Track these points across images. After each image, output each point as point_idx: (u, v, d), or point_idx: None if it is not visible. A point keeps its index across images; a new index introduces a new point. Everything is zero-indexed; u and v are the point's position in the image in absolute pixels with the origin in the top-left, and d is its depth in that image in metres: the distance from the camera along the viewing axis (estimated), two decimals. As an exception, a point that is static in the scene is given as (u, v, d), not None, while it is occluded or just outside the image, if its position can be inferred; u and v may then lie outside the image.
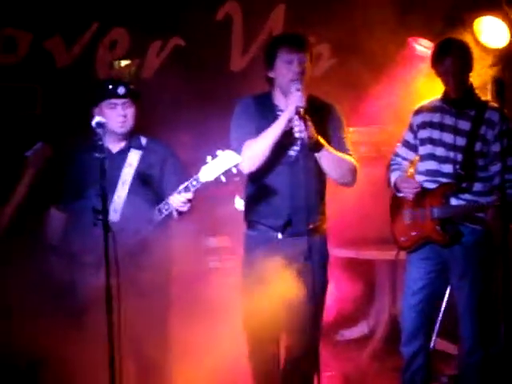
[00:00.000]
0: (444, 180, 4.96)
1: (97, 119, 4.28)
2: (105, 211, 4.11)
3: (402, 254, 5.21)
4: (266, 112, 4.75)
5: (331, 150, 4.67)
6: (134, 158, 4.91)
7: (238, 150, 4.67)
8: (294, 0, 6.54)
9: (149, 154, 4.94)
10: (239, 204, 4.69)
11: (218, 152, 4.48)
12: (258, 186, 4.76)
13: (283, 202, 4.68)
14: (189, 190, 4.59)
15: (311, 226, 4.67)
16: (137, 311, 4.57)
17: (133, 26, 6.48)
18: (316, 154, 4.64)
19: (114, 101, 4.85)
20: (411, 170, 5.17)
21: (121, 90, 4.84)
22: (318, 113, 4.72)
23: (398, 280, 6.43)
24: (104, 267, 4.13)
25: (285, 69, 4.69)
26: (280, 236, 4.71)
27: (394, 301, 6.57)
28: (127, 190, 4.85)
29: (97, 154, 4.19)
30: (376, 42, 6.38)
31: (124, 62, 6.60)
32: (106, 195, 4.13)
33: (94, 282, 4.46)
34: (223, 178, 4.48)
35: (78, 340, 4.60)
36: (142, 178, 4.88)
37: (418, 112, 5.10)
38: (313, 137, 4.57)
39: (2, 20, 6.28)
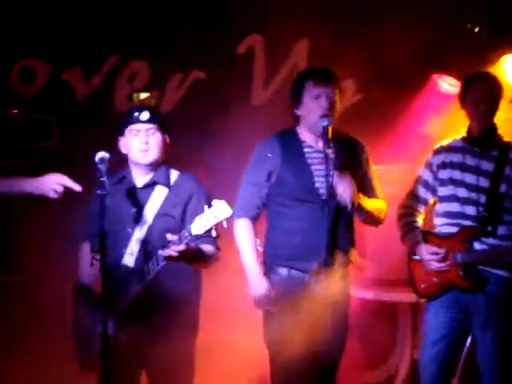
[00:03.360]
0: (467, 222, 4.77)
1: (100, 155, 4.11)
2: (103, 252, 3.90)
3: (423, 297, 5.04)
4: (291, 149, 4.62)
5: (370, 207, 4.61)
6: (158, 195, 4.53)
7: (244, 192, 4.62)
8: (317, 35, 6.43)
9: (176, 192, 4.54)
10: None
11: (214, 202, 4.15)
12: (287, 226, 4.58)
13: (314, 245, 4.49)
14: (181, 242, 4.23)
15: (342, 268, 4.55)
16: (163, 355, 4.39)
17: (153, 58, 6.43)
18: (354, 212, 4.58)
19: (136, 126, 4.51)
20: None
21: (144, 116, 4.51)
22: (345, 148, 4.61)
23: (419, 323, 6.25)
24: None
25: (312, 104, 4.55)
26: (308, 278, 4.53)
27: (415, 345, 6.36)
28: (145, 232, 4.49)
29: (98, 191, 4.01)
30: (401, 78, 6.28)
31: (143, 95, 6.53)
32: (105, 234, 3.92)
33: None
34: (214, 233, 4.16)
35: None
36: (162, 219, 4.49)
37: (438, 152, 4.92)
38: (354, 202, 4.48)
39: (21, 50, 6.26)
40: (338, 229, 4.54)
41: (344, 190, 4.46)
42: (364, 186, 4.68)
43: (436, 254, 4.80)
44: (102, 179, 4.04)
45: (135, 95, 6.50)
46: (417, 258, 4.91)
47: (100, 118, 6.27)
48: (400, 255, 5.18)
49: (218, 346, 5.53)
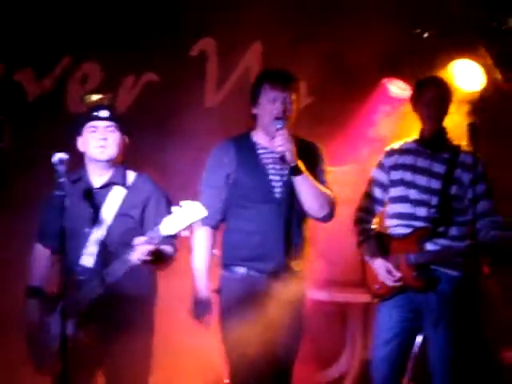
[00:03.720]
0: (418, 224, 4.85)
1: (58, 156, 4.10)
2: (63, 252, 3.90)
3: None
4: (246, 152, 4.67)
5: (311, 177, 4.59)
6: (116, 196, 4.53)
7: (205, 196, 4.60)
8: (270, 37, 6.47)
9: (134, 192, 4.55)
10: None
11: (182, 202, 4.16)
12: (244, 227, 4.61)
13: (272, 244, 4.55)
14: (149, 243, 4.25)
15: (297, 268, 4.60)
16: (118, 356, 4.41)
17: (105, 60, 6.42)
18: (295, 180, 4.53)
19: (95, 123, 4.52)
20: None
21: (103, 113, 4.53)
22: (299, 151, 4.61)
23: (369, 324, 6.33)
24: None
25: (268, 106, 4.61)
26: (266, 279, 4.55)
27: (365, 345, 6.45)
28: (104, 232, 4.49)
29: (57, 192, 4.02)
30: (352, 81, 6.35)
31: (95, 97, 6.51)
32: (64, 235, 3.93)
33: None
34: (185, 233, 4.19)
35: None
36: (122, 220, 4.50)
37: (389, 153, 5.01)
38: (294, 156, 4.48)
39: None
40: (294, 229, 4.60)
41: (283, 143, 4.48)
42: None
43: (391, 274, 4.86)
44: (60, 180, 4.03)
45: (87, 97, 6.48)
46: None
47: (52, 119, 6.26)
48: (353, 256, 5.25)
49: (174, 347, 5.56)
